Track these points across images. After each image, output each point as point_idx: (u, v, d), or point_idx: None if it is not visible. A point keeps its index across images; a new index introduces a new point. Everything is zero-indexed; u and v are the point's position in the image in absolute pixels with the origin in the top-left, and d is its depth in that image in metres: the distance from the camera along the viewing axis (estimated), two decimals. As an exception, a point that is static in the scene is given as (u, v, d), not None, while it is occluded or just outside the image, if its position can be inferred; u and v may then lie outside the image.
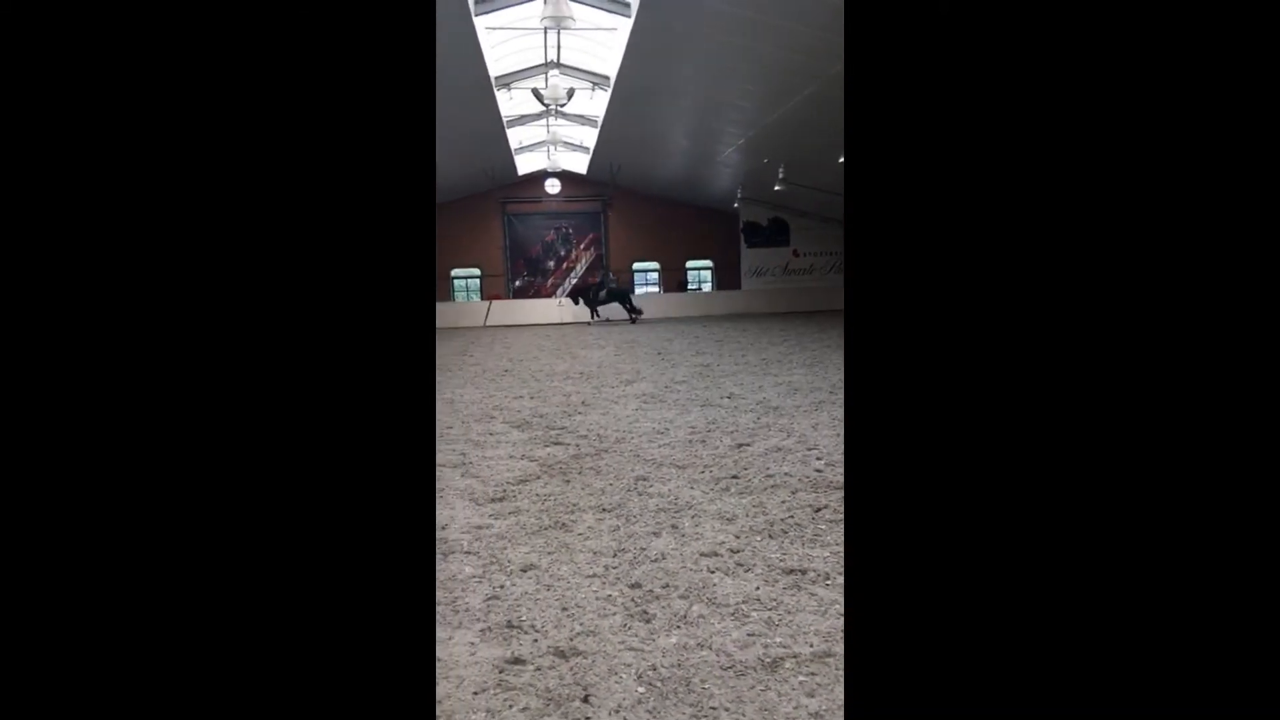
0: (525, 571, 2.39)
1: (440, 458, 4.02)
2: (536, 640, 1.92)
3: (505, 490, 3.35)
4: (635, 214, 20.07)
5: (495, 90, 11.38)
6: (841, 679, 1.66)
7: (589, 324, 15.79)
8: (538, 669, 1.78)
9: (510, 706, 1.63)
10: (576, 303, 16.27)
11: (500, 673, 1.77)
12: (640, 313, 15.90)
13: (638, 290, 19.69)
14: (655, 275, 21.72)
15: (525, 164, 17.53)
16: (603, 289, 15.99)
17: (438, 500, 3.24)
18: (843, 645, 1.78)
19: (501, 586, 2.28)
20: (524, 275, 19.27)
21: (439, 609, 2.13)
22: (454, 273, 18.98)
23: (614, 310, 16.01)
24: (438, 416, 5.33)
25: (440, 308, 16.87)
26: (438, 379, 7.47)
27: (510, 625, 2.01)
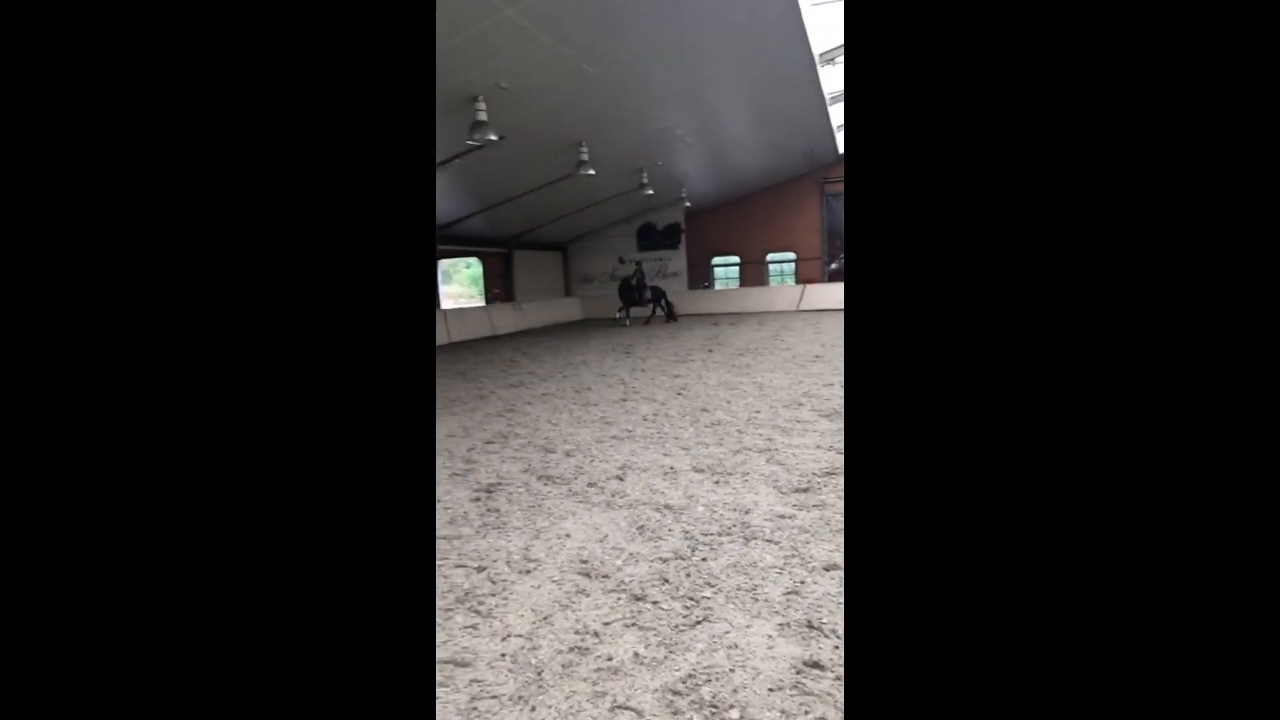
0: (828, 571, 2.28)
1: (747, 440, 4.09)
2: (838, 647, 1.81)
3: (810, 481, 3.26)
4: (972, 186, 17.82)
5: (819, 68, 11.08)
6: None
7: (619, 321, 14.78)
8: (837, 678, 1.67)
9: (806, 713, 1.56)
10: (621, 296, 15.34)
11: (797, 674, 1.70)
12: (674, 318, 14.83)
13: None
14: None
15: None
16: (644, 288, 14.84)
17: (742, 483, 3.29)
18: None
19: (802, 582, 2.21)
20: (840, 258, 18.60)
21: (738, 593, 2.15)
22: (769, 257, 19.18)
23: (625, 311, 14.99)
24: (746, 400, 5.44)
25: (755, 291, 17.26)
26: (748, 362, 7.63)
27: (810, 625, 1.93)
